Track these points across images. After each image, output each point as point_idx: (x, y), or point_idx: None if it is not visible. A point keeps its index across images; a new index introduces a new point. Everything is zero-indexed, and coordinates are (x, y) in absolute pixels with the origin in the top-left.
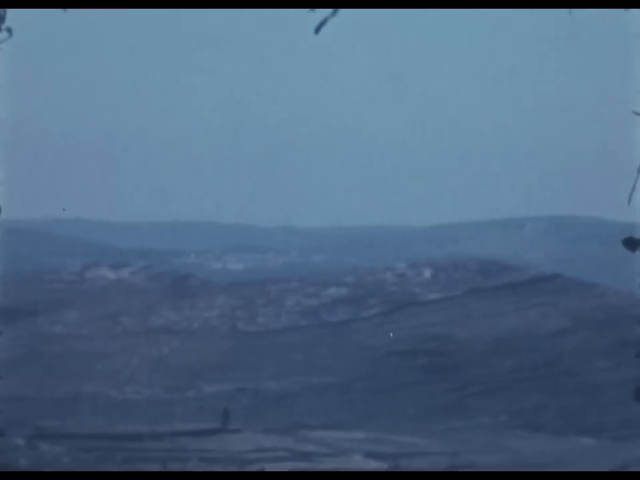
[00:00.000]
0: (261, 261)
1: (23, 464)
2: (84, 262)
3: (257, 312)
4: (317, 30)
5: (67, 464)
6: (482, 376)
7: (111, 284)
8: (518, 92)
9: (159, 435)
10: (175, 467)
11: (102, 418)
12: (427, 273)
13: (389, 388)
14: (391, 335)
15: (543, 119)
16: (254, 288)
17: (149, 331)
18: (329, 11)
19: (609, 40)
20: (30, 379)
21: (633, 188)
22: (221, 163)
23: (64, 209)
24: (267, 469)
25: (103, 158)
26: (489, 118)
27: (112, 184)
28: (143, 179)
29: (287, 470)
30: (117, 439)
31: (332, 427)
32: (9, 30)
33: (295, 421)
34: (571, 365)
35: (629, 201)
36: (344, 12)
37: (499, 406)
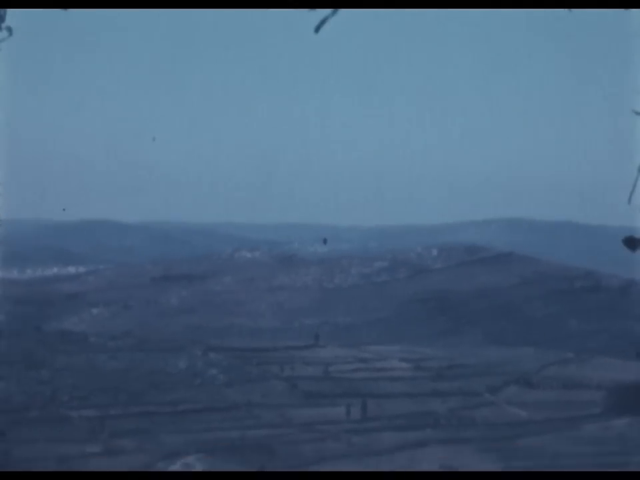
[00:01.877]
0: (337, 246)
1: (200, 366)
2: (233, 247)
3: (334, 276)
4: (317, 29)
5: (225, 366)
6: (467, 312)
7: (248, 260)
8: (517, 92)
9: (278, 348)
10: (287, 367)
11: (244, 339)
12: (434, 252)
13: (412, 320)
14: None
15: (542, 119)
16: (332, 262)
17: (271, 288)
18: (329, 10)
19: (609, 40)
20: (202, 316)
21: (633, 187)
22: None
23: (64, 209)
24: (341, 369)
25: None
26: (488, 119)
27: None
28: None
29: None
30: (253, 351)
31: (379, 343)
32: (9, 30)
33: (356, 340)
34: (519, 304)
35: (629, 200)
36: (344, 12)
37: (477, 330)
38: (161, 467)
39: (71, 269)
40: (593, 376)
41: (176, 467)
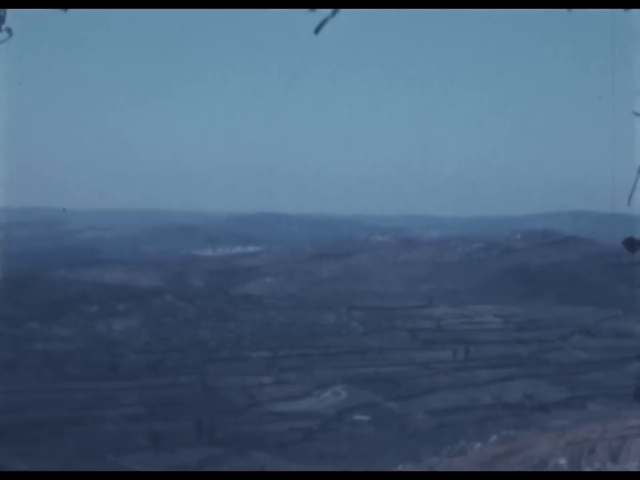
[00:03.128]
0: (444, 232)
1: (344, 320)
2: (368, 233)
3: (443, 254)
4: (317, 30)
5: (363, 320)
6: (543, 281)
7: (379, 242)
8: (517, 92)
9: (402, 307)
10: (409, 321)
11: (377, 300)
12: (519, 236)
13: (502, 286)
14: None
15: (542, 119)
16: (442, 244)
17: (396, 263)
18: (329, 11)
19: (609, 40)
20: (346, 284)
21: (633, 188)
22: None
23: (64, 209)
24: (449, 322)
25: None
26: (488, 119)
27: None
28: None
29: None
30: (383, 309)
31: (477, 303)
32: (9, 30)
33: (461, 301)
34: (582, 274)
35: (629, 201)
36: (344, 12)
37: (551, 294)
38: (316, 393)
39: (250, 249)
40: (636, 328)
41: (327, 394)
